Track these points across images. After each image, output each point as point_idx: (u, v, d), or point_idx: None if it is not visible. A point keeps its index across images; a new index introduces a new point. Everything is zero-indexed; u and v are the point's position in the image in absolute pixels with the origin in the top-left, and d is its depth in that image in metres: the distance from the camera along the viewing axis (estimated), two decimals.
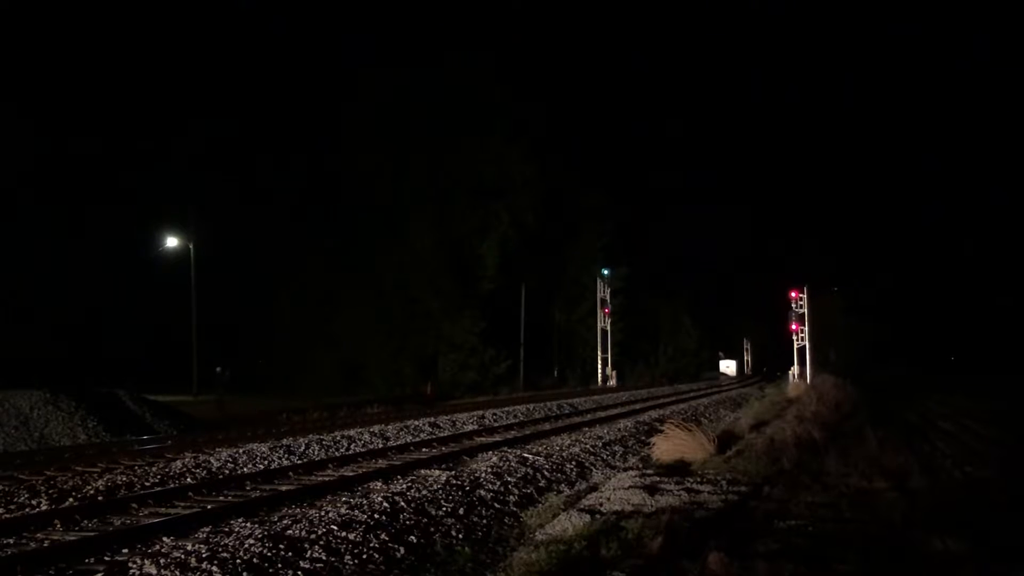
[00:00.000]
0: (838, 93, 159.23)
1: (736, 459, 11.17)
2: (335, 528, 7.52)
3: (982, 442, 14.20)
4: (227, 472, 11.22)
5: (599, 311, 54.25)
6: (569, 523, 7.48)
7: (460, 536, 7.97)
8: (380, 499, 8.81)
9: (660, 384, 55.08)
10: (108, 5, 51.79)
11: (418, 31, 51.89)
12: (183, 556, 6.48)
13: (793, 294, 43.35)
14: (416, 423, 18.28)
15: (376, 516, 8.07)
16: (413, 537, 7.66)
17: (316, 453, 13.25)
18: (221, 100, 52.13)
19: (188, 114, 49.35)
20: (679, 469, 10.70)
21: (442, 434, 16.50)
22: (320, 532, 7.36)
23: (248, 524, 7.90)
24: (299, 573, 6.38)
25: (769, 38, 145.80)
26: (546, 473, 11.66)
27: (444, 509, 8.77)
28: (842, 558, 5.69)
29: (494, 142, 46.48)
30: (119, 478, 10.55)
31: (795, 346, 44.73)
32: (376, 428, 16.98)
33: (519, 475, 11.11)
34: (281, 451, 13.15)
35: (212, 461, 11.92)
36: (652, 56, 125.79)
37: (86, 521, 8.18)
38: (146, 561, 6.38)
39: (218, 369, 26.25)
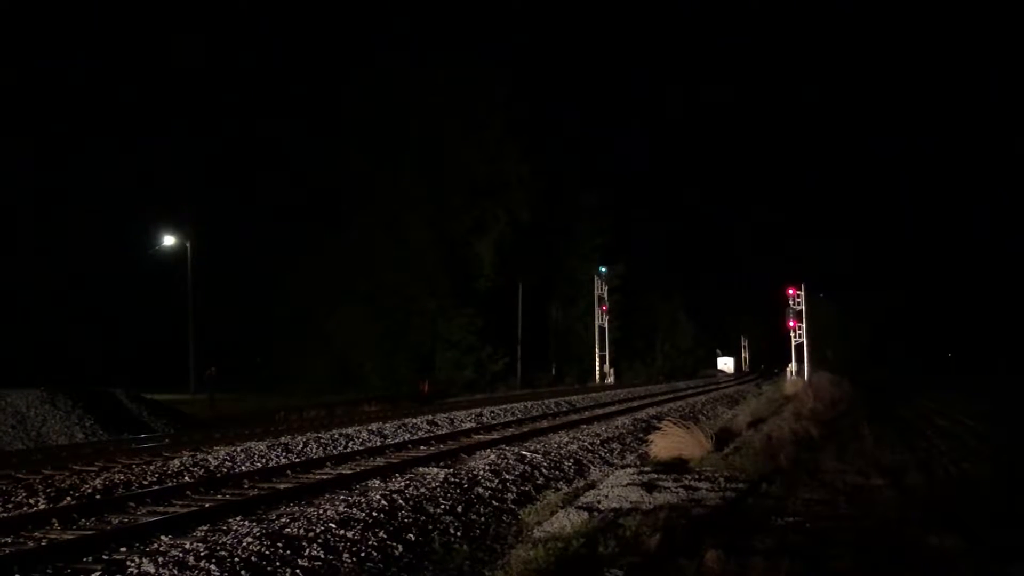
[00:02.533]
0: (829, 93, 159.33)
1: (733, 456, 11.18)
2: (333, 526, 7.52)
3: (978, 439, 14.25)
4: (225, 470, 11.21)
5: (596, 309, 54.25)
6: (567, 520, 7.48)
7: (458, 534, 7.98)
8: (378, 497, 8.81)
9: (658, 382, 55.07)
10: (105, 2, 51.73)
11: (414, 29, 51.91)
12: (181, 555, 6.48)
13: (791, 291, 43.34)
14: (414, 421, 18.26)
15: (374, 514, 8.08)
16: (411, 535, 7.67)
17: (314, 451, 13.25)
18: (218, 99, 52.12)
19: (185, 113, 49.37)
20: (677, 466, 10.70)
21: (440, 432, 16.50)
22: (318, 530, 7.36)
23: (246, 522, 7.90)
24: (297, 571, 6.38)
25: (771, 37, 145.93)
26: (544, 471, 11.67)
27: (442, 507, 8.78)
28: (839, 555, 5.71)
29: (490, 140, 46.36)
30: (117, 477, 10.54)
31: (792, 343, 44.76)
32: (374, 426, 16.96)
33: (517, 473, 11.12)
34: (279, 449, 13.14)
35: (210, 459, 11.91)
36: (650, 53, 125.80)
37: (84, 520, 8.18)
38: (144, 560, 6.38)
39: (212, 369, 26.31)
